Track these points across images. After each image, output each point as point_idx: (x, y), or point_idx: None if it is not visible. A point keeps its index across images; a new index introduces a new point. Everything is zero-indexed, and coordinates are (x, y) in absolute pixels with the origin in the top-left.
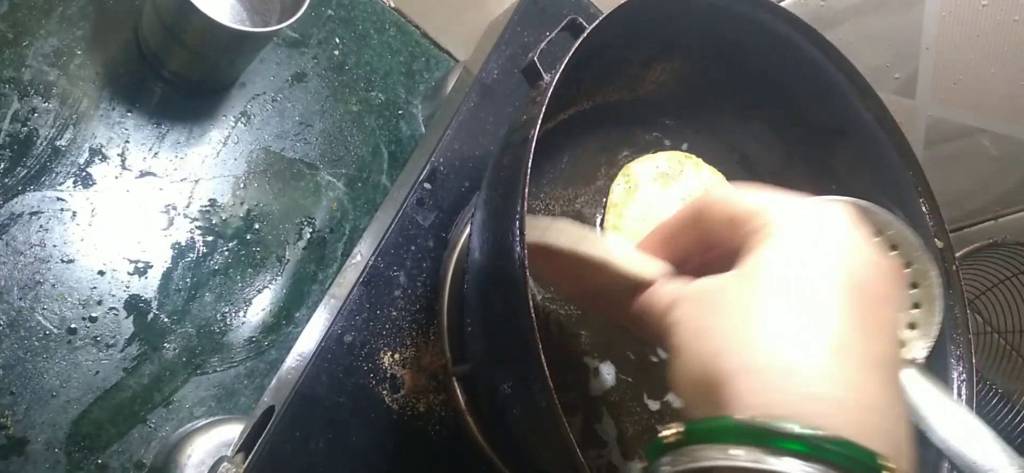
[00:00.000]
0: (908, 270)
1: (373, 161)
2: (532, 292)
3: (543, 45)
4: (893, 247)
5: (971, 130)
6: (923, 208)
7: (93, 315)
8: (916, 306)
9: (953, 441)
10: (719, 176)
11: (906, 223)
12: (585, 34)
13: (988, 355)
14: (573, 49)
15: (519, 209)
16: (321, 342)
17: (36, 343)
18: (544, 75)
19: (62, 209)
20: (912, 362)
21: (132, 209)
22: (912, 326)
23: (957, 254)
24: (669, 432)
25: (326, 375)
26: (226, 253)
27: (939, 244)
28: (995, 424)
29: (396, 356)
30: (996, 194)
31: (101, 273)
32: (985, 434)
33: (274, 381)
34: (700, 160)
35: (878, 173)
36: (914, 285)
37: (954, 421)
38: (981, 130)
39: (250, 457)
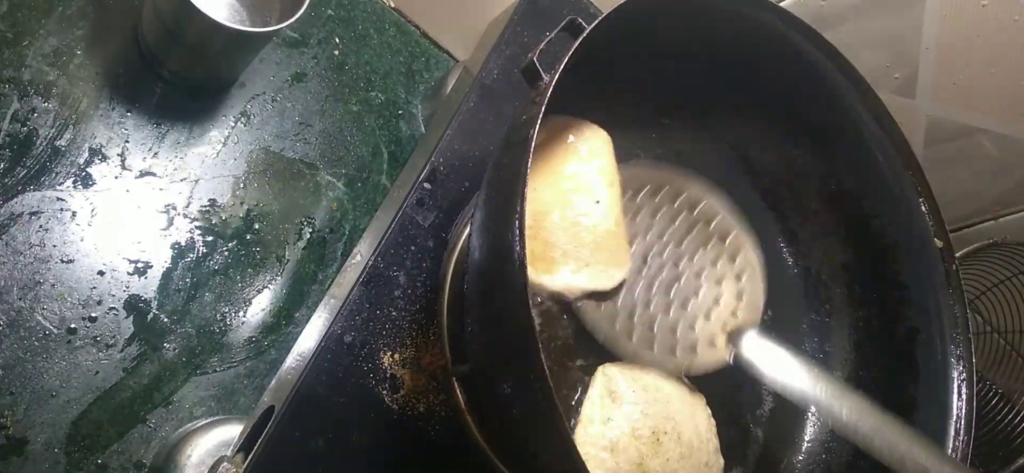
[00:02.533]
0: (726, 243)
1: (373, 161)
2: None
3: (542, 45)
4: (707, 222)
5: (971, 130)
6: (923, 208)
7: (93, 315)
8: (739, 277)
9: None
10: None
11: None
12: (584, 34)
13: (988, 355)
14: (572, 49)
15: (519, 209)
16: (321, 342)
17: (36, 343)
18: (543, 75)
19: (62, 209)
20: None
21: (132, 209)
22: (740, 296)
23: (957, 254)
24: None
25: (326, 375)
26: (226, 253)
27: (939, 244)
28: (994, 424)
29: (396, 356)
30: (996, 194)
31: (101, 273)
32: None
33: (274, 381)
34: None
35: (878, 173)
36: (732, 258)
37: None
38: (981, 130)
39: (250, 457)
